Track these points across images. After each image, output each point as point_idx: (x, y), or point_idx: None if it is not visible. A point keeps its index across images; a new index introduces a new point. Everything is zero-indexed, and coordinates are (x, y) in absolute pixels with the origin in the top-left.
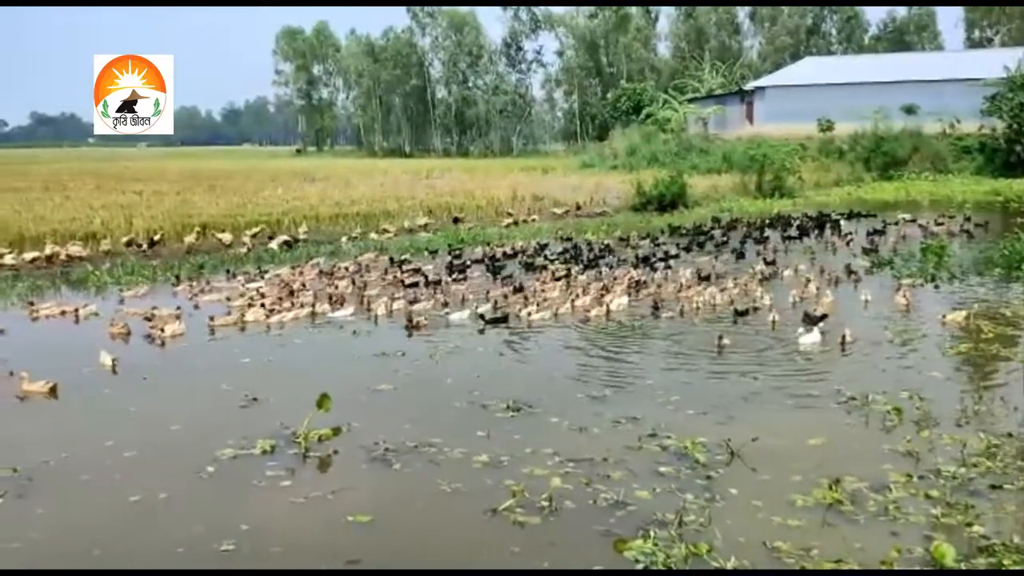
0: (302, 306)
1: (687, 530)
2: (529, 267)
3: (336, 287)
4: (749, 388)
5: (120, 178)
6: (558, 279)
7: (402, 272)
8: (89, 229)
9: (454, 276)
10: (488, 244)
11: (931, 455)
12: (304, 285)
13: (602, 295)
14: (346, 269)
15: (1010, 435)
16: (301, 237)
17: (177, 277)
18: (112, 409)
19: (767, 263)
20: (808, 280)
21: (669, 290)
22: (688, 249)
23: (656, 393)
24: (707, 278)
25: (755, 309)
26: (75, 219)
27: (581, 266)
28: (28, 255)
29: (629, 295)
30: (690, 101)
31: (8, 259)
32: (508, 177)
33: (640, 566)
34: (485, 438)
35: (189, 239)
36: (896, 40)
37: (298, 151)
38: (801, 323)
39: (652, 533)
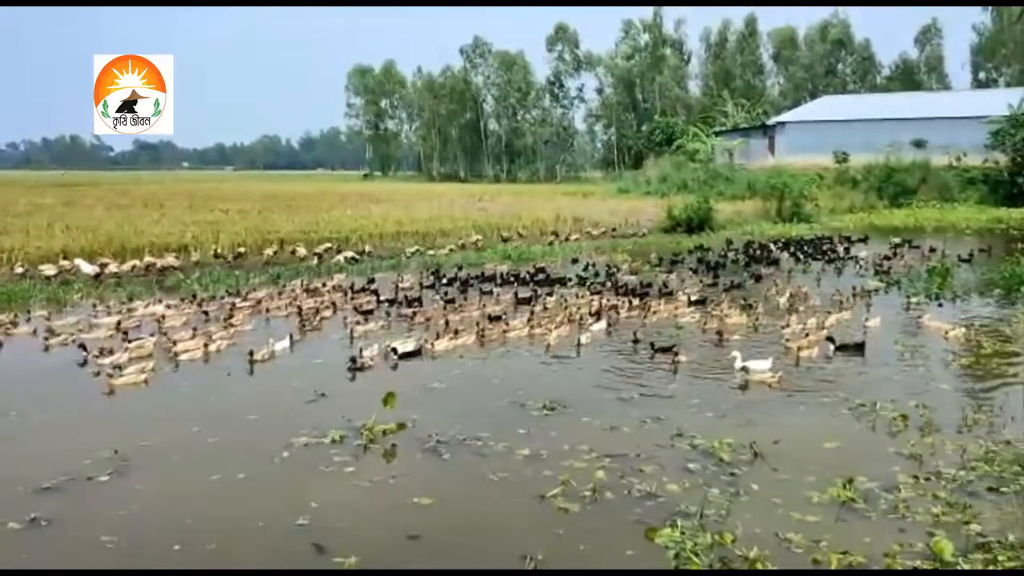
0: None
1: (708, 521)
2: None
3: (267, 311)
4: (765, 395)
5: (209, 197)
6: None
7: (353, 294)
8: (182, 242)
9: (411, 304)
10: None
11: (933, 459)
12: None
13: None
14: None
15: (1008, 442)
16: (366, 252)
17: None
18: (197, 401)
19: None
20: (791, 307)
21: (663, 314)
22: (695, 270)
23: (677, 398)
24: (702, 302)
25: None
26: (170, 233)
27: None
28: (129, 264)
29: (607, 320)
30: (717, 134)
31: (112, 267)
32: (552, 201)
33: (670, 553)
34: (525, 434)
35: (268, 252)
36: (907, 80)
37: (366, 176)
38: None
39: (679, 523)
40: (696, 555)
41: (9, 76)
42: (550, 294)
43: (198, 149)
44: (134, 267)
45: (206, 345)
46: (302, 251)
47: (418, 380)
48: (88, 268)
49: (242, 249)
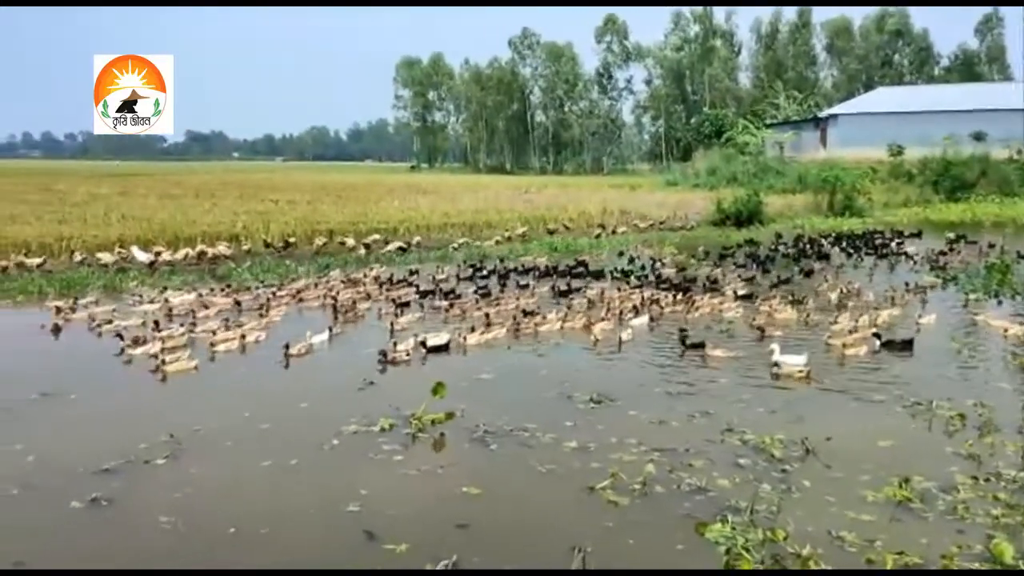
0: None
1: (758, 517)
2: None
3: (300, 301)
4: (816, 392)
5: (260, 188)
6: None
7: (391, 286)
8: (233, 231)
9: (449, 298)
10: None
11: (993, 459)
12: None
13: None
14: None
15: None
16: (414, 243)
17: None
18: (248, 388)
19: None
20: (841, 303)
21: (705, 309)
22: (743, 266)
23: (726, 393)
24: (749, 297)
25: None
26: (221, 223)
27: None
28: (181, 252)
29: (650, 315)
30: (768, 126)
31: (165, 256)
32: (599, 193)
33: (721, 548)
34: (572, 426)
35: (318, 242)
36: (967, 71)
37: (413, 167)
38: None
39: (729, 518)
40: (747, 551)
41: (68, 69)
42: (587, 287)
43: (248, 140)
44: (187, 255)
45: (243, 336)
46: (351, 242)
47: (466, 371)
48: (142, 256)
49: (292, 239)
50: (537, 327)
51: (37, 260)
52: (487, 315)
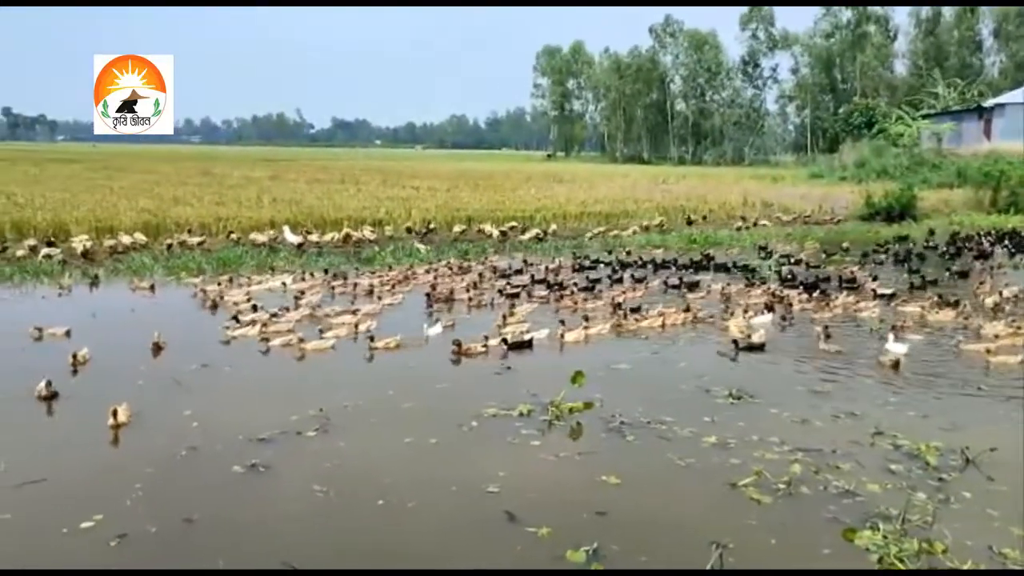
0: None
1: (911, 526)
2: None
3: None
4: (976, 399)
5: (401, 174)
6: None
7: (503, 276)
8: (376, 216)
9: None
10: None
11: None
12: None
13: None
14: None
15: None
16: (550, 231)
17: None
18: (389, 368)
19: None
20: (997, 306)
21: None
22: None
23: (872, 394)
24: (891, 297)
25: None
26: (365, 208)
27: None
28: (328, 235)
29: (782, 314)
30: (924, 117)
31: (313, 238)
32: (739, 184)
33: (874, 557)
34: (711, 422)
35: (457, 229)
36: None
37: (549, 156)
38: None
39: (880, 526)
40: (901, 561)
41: (228, 59)
42: (700, 283)
43: (390, 127)
44: (333, 238)
45: (356, 325)
46: (489, 229)
47: (603, 359)
48: (292, 238)
49: (432, 225)
50: (638, 323)
51: (198, 239)
52: (615, 306)
